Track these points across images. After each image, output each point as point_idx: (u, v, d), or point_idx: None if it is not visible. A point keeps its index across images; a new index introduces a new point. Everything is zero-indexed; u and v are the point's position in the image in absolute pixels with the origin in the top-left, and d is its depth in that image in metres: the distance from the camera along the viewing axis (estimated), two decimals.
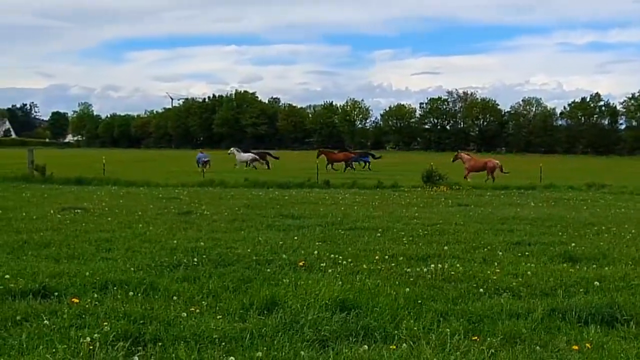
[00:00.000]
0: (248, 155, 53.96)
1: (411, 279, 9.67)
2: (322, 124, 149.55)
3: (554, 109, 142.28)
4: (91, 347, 6.25)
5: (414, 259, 11.35)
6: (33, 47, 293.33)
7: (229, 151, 57.30)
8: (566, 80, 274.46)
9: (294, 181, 33.37)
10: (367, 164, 52.52)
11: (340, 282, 8.94)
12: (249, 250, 11.82)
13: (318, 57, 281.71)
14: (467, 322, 7.45)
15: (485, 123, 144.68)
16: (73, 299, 7.97)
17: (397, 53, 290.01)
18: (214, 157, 57.52)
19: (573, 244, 13.08)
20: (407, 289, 8.78)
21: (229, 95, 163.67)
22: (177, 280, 9.30)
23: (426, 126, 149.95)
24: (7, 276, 9.05)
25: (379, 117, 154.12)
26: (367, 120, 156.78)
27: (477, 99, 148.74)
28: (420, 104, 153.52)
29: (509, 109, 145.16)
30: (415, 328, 7.14)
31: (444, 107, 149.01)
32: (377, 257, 11.24)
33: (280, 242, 12.79)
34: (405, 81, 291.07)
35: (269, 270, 10.09)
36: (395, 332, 7.02)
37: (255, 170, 49.76)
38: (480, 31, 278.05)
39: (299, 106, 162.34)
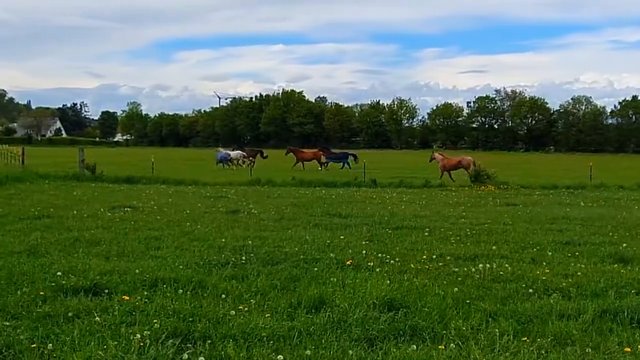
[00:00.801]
0: (236, 153, 55.32)
1: (459, 279, 9.62)
2: (368, 123, 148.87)
3: (604, 107, 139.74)
4: (142, 344, 6.34)
5: (462, 259, 11.28)
6: (83, 48, 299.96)
7: (216, 150, 58.68)
8: (617, 78, 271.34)
9: (340, 180, 33.36)
10: (346, 164, 51.62)
11: (387, 281, 8.94)
12: (296, 249, 11.87)
13: (365, 56, 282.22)
14: (517, 322, 7.38)
15: (533, 122, 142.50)
16: (123, 297, 8.09)
17: (444, 52, 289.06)
18: (209, 155, 58.48)
19: (624, 245, 12.87)
20: (455, 289, 8.74)
21: (276, 94, 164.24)
22: (225, 278, 9.36)
23: (474, 125, 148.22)
24: (59, 273, 9.23)
25: (426, 116, 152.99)
26: (414, 119, 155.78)
27: (526, 97, 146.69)
28: (468, 102, 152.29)
29: (558, 108, 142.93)
30: (463, 328, 7.10)
31: (492, 105, 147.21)
32: (424, 257, 11.19)
33: (328, 241, 12.80)
34: (453, 80, 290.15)
35: (316, 269, 10.11)
36: (444, 332, 7.00)
37: (247, 167, 50.89)
38: (528, 29, 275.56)
39: (345, 105, 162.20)
